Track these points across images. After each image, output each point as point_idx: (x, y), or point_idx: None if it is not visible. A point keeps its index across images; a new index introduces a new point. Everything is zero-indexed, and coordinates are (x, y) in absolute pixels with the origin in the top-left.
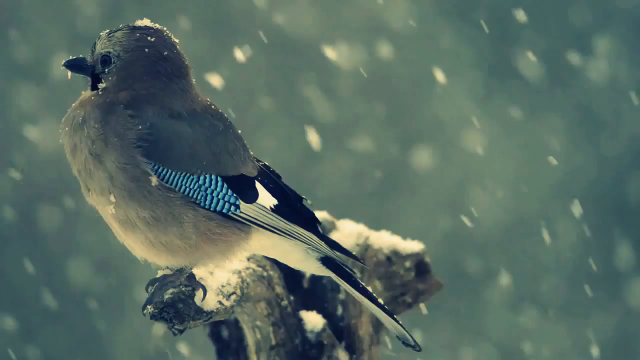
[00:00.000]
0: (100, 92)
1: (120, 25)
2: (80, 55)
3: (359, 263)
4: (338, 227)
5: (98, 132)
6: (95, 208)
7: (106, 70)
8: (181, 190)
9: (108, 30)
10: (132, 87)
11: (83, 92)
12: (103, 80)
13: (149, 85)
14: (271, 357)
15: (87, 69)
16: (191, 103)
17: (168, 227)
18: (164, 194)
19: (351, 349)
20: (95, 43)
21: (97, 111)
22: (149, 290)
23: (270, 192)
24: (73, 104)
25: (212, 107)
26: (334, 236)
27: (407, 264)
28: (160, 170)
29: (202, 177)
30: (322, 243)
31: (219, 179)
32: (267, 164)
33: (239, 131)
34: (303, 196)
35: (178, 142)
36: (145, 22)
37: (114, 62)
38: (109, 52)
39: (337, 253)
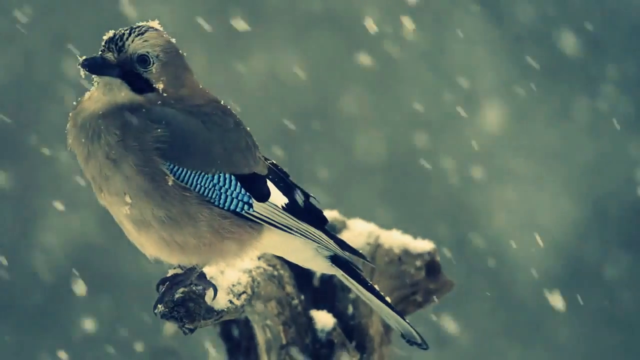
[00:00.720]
0: (130, 95)
1: (139, 25)
2: (94, 55)
3: (372, 264)
4: (349, 226)
5: (117, 139)
6: (107, 208)
7: (147, 70)
8: (196, 190)
9: (127, 30)
10: (165, 89)
11: (89, 94)
12: (154, 81)
13: (177, 84)
14: (282, 356)
15: (114, 69)
16: (201, 99)
17: (183, 226)
18: (180, 194)
19: (362, 348)
20: (121, 44)
21: (117, 117)
22: (160, 289)
23: (281, 191)
24: (84, 106)
25: (221, 102)
26: (345, 235)
27: (418, 263)
28: (176, 169)
29: (216, 176)
30: (331, 241)
31: (232, 177)
32: (274, 162)
33: (248, 128)
34: (311, 194)
35: (193, 141)
36: (154, 23)
37: (152, 63)
38: (148, 53)
39: (346, 252)
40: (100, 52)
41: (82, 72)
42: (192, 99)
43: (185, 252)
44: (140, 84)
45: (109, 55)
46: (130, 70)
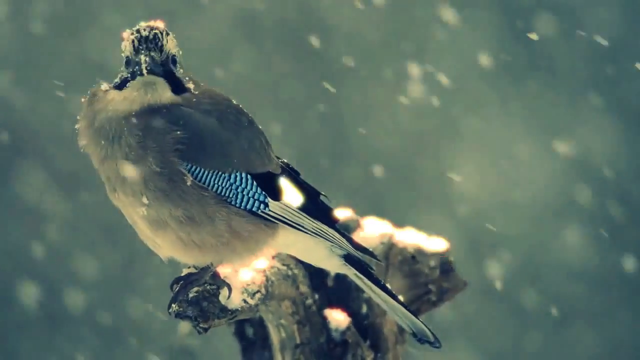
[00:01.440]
0: (154, 96)
1: (155, 25)
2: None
3: (382, 262)
4: (362, 225)
5: (138, 140)
6: (120, 208)
7: (178, 70)
8: (214, 189)
9: (158, 30)
10: (183, 90)
11: (104, 94)
12: (187, 81)
13: (195, 85)
14: (296, 355)
15: (159, 69)
16: (214, 98)
17: (201, 226)
18: (198, 193)
19: (376, 348)
20: (160, 43)
21: (142, 118)
22: (174, 288)
23: (295, 190)
24: (101, 107)
25: (233, 101)
26: (358, 234)
27: (432, 262)
28: (194, 169)
29: (232, 175)
30: (344, 240)
31: (248, 177)
32: (285, 160)
33: (260, 126)
34: (322, 193)
35: (211, 140)
36: (160, 23)
37: (180, 63)
38: (176, 53)
39: (359, 252)
40: (141, 52)
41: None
42: (207, 98)
43: (202, 252)
44: (177, 84)
45: (155, 55)
46: (169, 70)
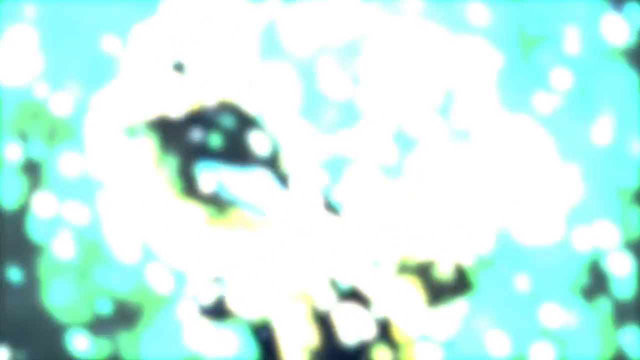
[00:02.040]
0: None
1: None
2: None
3: (391, 263)
4: (370, 225)
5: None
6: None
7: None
8: (227, 190)
9: (163, 30)
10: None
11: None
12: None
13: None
14: (309, 357)
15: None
16: (223, 100)
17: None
18: (213, 195)
19: (389, 349)
20: (173, 44)
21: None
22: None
23: (306, 190)
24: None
25: (241, 102)
26: (366, 236)
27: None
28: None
29: (246, 176)
30: (352, 242)
31: (261, 177)
32: (293, 161)
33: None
34: (332, 192)
35: (225, 141)
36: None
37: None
38: (185, 54)
39: (367, 254)
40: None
41: None
42: (218, 100)
43: (214, 253)
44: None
45: (167, 56)
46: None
